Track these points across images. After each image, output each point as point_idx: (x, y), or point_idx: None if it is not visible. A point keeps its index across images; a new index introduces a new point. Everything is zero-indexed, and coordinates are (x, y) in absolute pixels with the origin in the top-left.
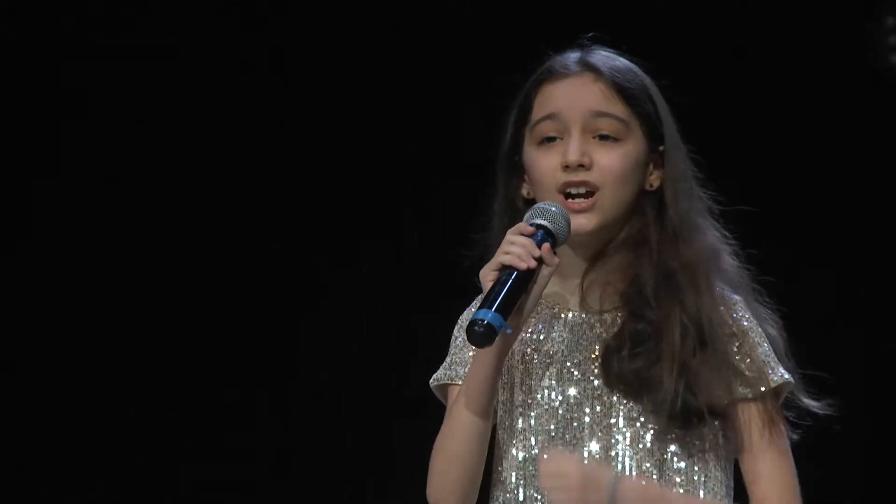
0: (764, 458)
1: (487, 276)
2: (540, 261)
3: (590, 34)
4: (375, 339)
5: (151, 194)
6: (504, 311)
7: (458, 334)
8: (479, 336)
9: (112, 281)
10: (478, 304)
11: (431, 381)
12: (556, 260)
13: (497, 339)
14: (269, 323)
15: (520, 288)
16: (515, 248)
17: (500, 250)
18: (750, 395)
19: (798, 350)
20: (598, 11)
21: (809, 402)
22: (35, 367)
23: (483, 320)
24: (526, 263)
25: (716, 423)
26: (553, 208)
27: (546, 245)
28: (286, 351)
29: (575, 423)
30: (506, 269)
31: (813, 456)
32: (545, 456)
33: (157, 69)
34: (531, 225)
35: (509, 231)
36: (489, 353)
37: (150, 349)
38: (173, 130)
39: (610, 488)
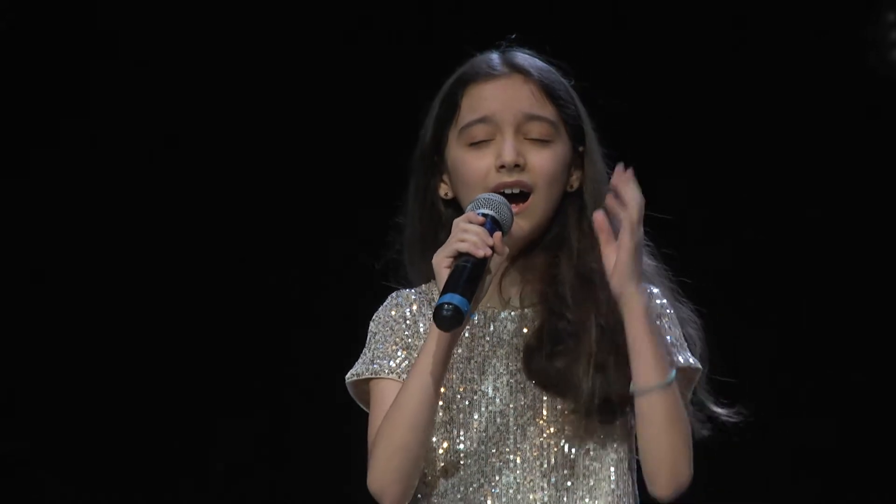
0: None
1: (443, 262)
2: (492, 249)
3: (512, 35)
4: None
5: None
6: (468, 295)
7: (377, 330)
8: (448, 319)
9: (111, 281)
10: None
11: (348, 376)
12: (506, 249)
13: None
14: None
15: (478, 274)
16: (471, 236)
17: (453, 238)
18: None
19: (712, 356)
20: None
21: (716, 409)
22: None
23: (450, 304)
24: (483, 251)
25: (628, 411)
26: (496, 198)
27: (498, 234)
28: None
29: (500, 416)
30: (462, 256)
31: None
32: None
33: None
34: (479, 214)
35: (458, 220)
36: (445, 339)
37: (150, 349)
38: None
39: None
